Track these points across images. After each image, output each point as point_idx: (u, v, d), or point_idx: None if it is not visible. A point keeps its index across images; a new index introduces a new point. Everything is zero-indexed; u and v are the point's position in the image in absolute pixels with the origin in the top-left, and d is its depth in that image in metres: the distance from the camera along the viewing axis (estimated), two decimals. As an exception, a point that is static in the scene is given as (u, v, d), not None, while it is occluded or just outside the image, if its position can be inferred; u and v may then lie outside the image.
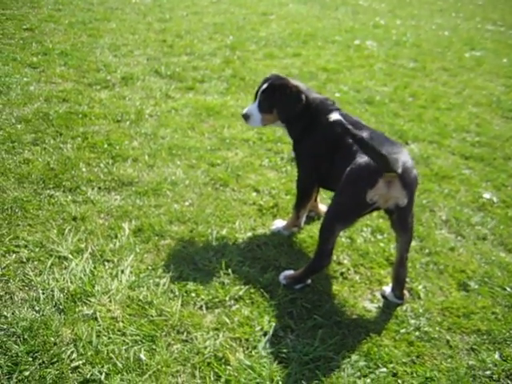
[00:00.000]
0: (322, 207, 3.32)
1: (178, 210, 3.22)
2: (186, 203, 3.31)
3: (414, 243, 3.18)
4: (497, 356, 2.45)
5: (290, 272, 2.77)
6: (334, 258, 2.96)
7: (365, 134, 2.53)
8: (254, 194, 3.51)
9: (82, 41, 6.47)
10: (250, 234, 3.09)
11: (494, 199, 3.84)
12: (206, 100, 4.94)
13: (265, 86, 3.05)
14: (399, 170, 2.39)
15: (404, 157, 2.52)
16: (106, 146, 3.87)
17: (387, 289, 2.74)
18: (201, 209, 3.26)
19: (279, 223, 3.20)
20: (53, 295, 2.47)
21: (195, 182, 3.54)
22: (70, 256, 2.74)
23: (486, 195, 3.88)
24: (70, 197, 3.25)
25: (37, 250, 2.76)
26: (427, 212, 3.57)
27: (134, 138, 4.07)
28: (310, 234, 3.14)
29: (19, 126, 4.07)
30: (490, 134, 5.00)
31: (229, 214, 3.25)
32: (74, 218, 3.05)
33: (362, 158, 2.52)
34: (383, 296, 2.74)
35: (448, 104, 5.71)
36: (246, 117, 3.12)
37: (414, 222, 2.76)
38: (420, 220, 3.46)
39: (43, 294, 2.47)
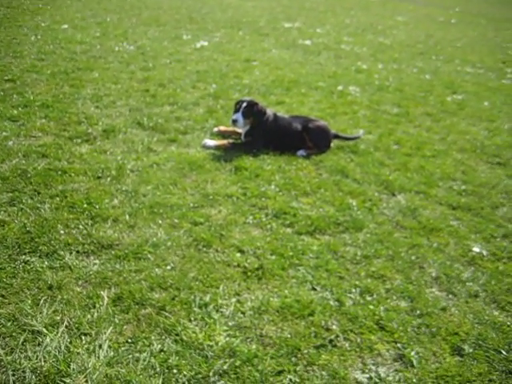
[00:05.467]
0: None
1: (160, 274, 3.09)
2: (168, 267, 3.18)
3: (404, 304, 3.10)
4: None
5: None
6: (322, 323, 2.85)
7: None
8: (239, 254, 3.39)
9: (63, 91, 6.41)
10: (234, 299, 2.97)
11: (484, 252, 3.77)
12: (189, 153, 4.86)
13: (245, 103, 5.16)
14: None
15: None
16: (85, 205, 3.76)
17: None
18: (183, 273, 3.13)
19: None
20: (24, 377, 2.32)
21: (177, 244, 3.41)
22: (45, 330, 2.59)
23: (476, 248, 3.80)
24: (46, 262, 3.11)
25: (9, 324, 2.61)
26: (416, 269, 3.48)
27: (114, 195, 3.96)
28: (296, 297, 3.02)
29: (-4, 185, 3.96)
30: (476, 182, 4.97)
31: (212, 277, 3.12)
32: (50, 287, 2.90)
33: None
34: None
35: (433, 151, 5.69)
36: (235, 121, 5.09)
37: None
38: (409, 278, 3.36)
39: (13, 375, 2.31)
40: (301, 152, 5.18)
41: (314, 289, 3.15)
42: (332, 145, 5.42)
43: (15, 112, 5.50)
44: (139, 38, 10.26)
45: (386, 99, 7.66)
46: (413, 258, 3.59)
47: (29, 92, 6.23)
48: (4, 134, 4.93)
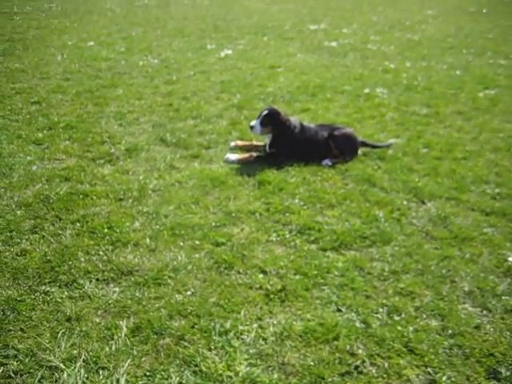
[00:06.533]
0: None
1: (180, 301, 3.02)
2: (188, 292, 3.11)
3: (435, 323, 2.94)
4: None
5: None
6: (347, 348, 2.72)
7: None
8: (261, 275, 3.29)
9: (88, 111, 6.45)
10: (255, 325, 2.87)
11: (521, 262, 3.57)
12: (212, 169, 4.79)
13: (266, 111, 5.05)
14: None
15: None
16: (106, 229, 3.72)
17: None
18: (203, 298, 3.05)
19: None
20: (40, 417, 2.28)
21: (198, 267, 3.34)
22: (62, 366, 2.55)
23: (512, 258, 3.61)
24: (66, 292, 3.08)
25: (27, 360, 2.58)
26: (448, 283, 3.31)
27: (135, 218, 3.91)
28: (319, 320, 2.91)
29: (19, 212, 3.97)
30: (511, 184, 4.74)
31: (233, 302, 3.03)
32: (69, 319, 2.86)
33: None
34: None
35: (464, 152, 5.48)
36: (252, 127, 5.03)
37: None
38: (440, 293, 3.20)
39: (30, 415, 2.28)
40: (326, 161, 5.05)
41: (339, 310, 3.02)
42: (359, 152, 5.28)
43: (40, 135, 5.55)
44: (163, 50, 10.29)
45: (415, 99, 7.45)
46: (444, 271, 3.43)
47: (54, 113, 6.29)
48: (28, 158, 4.97)
